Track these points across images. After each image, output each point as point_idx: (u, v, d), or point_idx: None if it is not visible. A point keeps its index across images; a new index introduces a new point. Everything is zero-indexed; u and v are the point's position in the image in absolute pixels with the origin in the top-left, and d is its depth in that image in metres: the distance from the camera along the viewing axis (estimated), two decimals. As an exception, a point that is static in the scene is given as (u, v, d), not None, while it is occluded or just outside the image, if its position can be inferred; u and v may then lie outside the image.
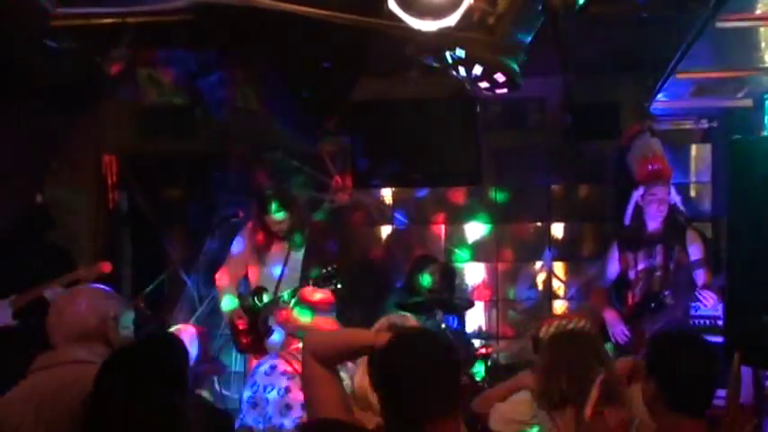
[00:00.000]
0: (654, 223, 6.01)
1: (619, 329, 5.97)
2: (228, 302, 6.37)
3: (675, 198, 6.14)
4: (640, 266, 6.03)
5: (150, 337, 3.39)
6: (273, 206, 6.21)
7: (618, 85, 7.13)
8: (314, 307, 4.41)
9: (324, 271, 5.89)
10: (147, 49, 5.46)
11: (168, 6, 5.00)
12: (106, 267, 6.35)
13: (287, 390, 4.18)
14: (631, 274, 6.07)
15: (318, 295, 4.51)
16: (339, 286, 5.93)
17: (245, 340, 6.28)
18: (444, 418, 2.44)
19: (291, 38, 5.06)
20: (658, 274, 5.98)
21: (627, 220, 6.17)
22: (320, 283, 5.88)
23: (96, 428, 2.56)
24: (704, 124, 7.31)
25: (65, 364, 3.17)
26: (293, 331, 4.44)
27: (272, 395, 4.20)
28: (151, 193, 7.76)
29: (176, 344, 2.94)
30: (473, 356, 6.49)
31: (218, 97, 6.04)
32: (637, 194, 6.08)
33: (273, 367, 4.31)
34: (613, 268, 6.20)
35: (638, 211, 6.07)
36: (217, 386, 7.05)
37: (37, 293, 6.08)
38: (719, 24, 4.68)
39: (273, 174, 7.40)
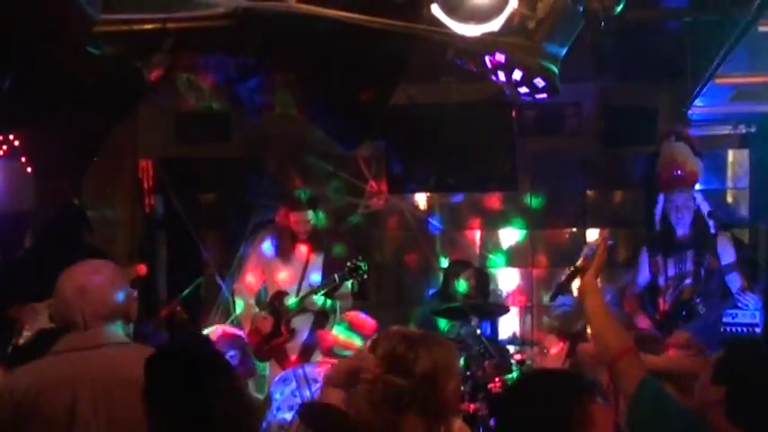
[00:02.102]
0: (682, 229, 5.95)
1: None
2: (240, 307, 6.40)
3: (703, 204, 6.03)
4: (670, 273, 5.98)
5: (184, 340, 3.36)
6: (302, 205, 6.23)
7: (655, 90, 7.10)
8: (363, 333, 4.39)
9: (349, 264, 5.92)
10: (187, 55, 5.48)
11: (208, 12, 5.04)
12: (142, 270, 6.38)
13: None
14: (661, 281, 6.03)
15: (366, 322, 4.50)
16: (365, 278, 5.98)
17: (266, 347, 6.26)
18: None
19: (330, 43, 5.07)
20: (688, 281, 5.92)
21: (656, 226, 6.13)
22: (346, 276, 5.91)
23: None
24: (742, 129, 7.23)
25: (109, 346, 3.13)
26: (339, 352, 4.38)
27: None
28: (187, 197, 7.80)
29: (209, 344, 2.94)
30: (508, 362, 6.46)
31: (256, 102, 6.06)
32: (661, 200, 6.05)
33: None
34: (644, 274, 6.17)
35: (666, 216, 6.02)
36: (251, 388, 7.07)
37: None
38: (762, 29, 4.65)
39: (309, 178, 7.43)
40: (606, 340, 3.16)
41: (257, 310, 6.31)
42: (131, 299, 3.29)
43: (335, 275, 5.98)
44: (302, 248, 6.32)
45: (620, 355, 3.06)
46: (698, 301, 5.84)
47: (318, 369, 4.27)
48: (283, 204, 6.47)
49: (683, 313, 5.87)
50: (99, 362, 3.09)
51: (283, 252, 6.35)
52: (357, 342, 4.32)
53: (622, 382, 3.05)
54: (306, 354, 6.19)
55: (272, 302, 6.31)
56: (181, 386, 2.56)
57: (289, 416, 4.06)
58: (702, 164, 6.30)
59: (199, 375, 2.58)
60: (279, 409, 4.16)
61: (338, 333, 4.41)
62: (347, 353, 4.23)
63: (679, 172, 6.00)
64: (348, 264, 5.97)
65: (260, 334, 6.19)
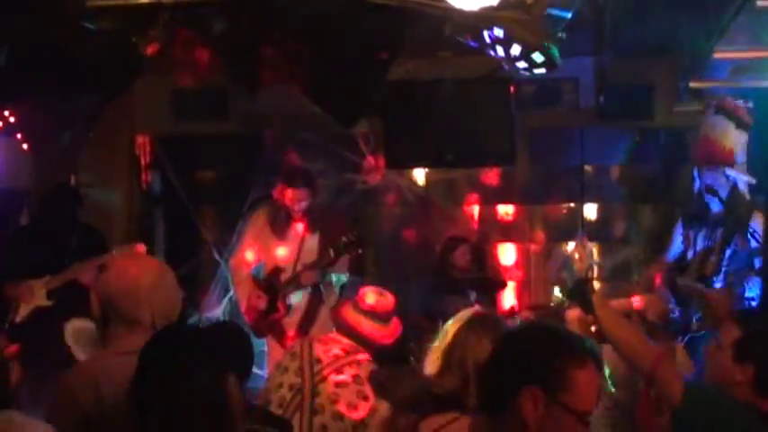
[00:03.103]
0: (716, 206, 5.83)
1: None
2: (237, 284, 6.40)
3: (740, 179, 5.87)
4: (699, 246, 5.86)
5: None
6: (297, 181, 6.21)
7: (653, 65, 7.06)
8: (370, 314, 4.33)
9: (344, 239, 5.92)
10: (184, 30, 5.44)
11: (204, -14, 5.00)
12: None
13: None
14: (690, 254, 5.92)
15: (380, 303, 4.31)
16: (360, 252, 5.99)
17: (263, 323, 6.25)
18: None
19: (328, 18, 5.04)
20: (713, 258, 5.80)
21: (693, 200, 5.99)
22: (343, 251, 5.92)
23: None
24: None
25: None
26: (346, 333, 4.31)
27: None
28: (184, 174, 7.80)
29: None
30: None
31: (252, 77, 6.02)
32: (697, 175, 5.92)
33: None
34: (676, 246, 6.06)
35: (702, 191, 5.90)
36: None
37: (71, 275, 6.12)
38: (760, 3, 4.62)
39: (306, 154, 7.41)
40: (637, 350, 3.12)
41: (254, 287, 6.30)
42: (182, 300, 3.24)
43: (330, 250, 5.99)
44: (298, 226, 6.30)
45: (657, 363, 3.04)
46: (715, 279, 5.74)
47: (324, 348, 4.23)
48: (280, 181, 6.44)
49: None
50: None
51: (279, 229, 6.33)
52: (363, 324, 4.25)
53: (664, 389, 3.04)
54: (303, 329, 6.20)
55: (269, 279, 6.30)
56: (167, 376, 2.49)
57: (289, 395, 4.07)
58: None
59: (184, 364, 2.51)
60: (281, 385, 4.16)
61: (347, 312, 4.35)
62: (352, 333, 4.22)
63: (709, 149, 5.84)
64: (343, 238, 5.97)
65: (256, 311, 6.19)
